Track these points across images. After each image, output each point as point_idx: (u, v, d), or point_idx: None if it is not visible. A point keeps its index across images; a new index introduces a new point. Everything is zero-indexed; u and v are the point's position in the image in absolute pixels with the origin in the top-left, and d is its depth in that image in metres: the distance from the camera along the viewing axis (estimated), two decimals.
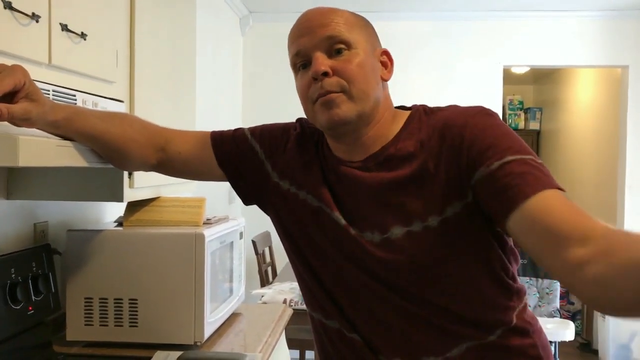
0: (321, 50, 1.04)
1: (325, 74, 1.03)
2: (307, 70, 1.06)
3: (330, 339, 1.15)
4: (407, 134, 1.07)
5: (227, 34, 4.18)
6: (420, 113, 1.10)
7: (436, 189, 1.01)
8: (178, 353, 1.55)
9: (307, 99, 1.07)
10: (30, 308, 1.57)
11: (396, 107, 1.15)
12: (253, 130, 1.24)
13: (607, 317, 4.31)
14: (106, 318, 1.68)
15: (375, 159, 1.08)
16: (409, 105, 1.16)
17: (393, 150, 1.07)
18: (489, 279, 1.05)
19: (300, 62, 1.07)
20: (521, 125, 7.07)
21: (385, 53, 1.13)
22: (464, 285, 1.04)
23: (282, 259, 4.25)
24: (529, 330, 1.10)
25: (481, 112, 1.03)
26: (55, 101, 1.14)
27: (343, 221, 1.08)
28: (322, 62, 1.03)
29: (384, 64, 1.11)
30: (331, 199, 1.10)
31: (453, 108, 1.08)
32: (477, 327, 1.05)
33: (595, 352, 4.69)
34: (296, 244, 1.16)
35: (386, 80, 1.11)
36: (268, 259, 4.18)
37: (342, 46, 1.04)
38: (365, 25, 1.10)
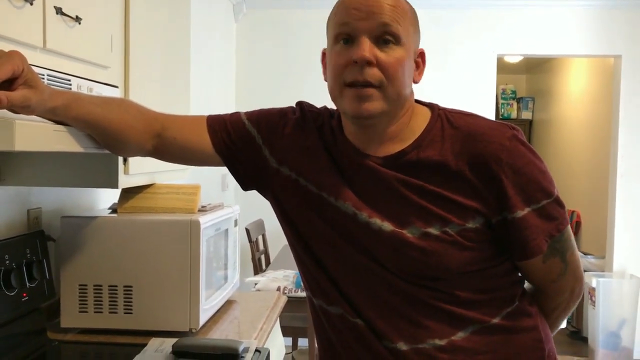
0: (370, 35, 1.02)
1: (369, 63, 1.02)
2: (348, 48, 1.04)
3: (332, 325, 1.14)
4: (429, 141, 1.08)
5: (220, 21, 4.15)
6: (442, 120, 1.10)
7: (461, 201, 1.04)
8: (173, 340, 1.55)
9: (339, 79, 1.05)
10: (24, 294, 1.57)
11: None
12: (250, 114, 1.22)
13: (597, 305, 4.35)
14: (101, 305, 1.67)
15: (396, 160, 1.08)
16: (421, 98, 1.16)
17: (415, 157, 1.07)
18: (497, 268, 1.10)
19: (345, 35, 1.05)
20: (514, 114, 7.08)
21: (422, 54, 1.13)
22: (473, 275, 1.07)
23: (275, 246, 4.25)
24: (530, 312, 1.13)
25: (516, 138, 1.06)
26: (52, 87, 1.13)
27: (352, 208, 1.08)
28: (368, 49, 1.02)
29: (417, 65, 1.11)
30: (340, 186, 1.10)
31: (479, 120, 1.09)
32: (483, 310, 1.07)
33: (585, 339, 4.73)
34: (297, 229, 1.16)
35: (416, 83, 1.11)
36: (261, 246, 4.18)
37: (391, 38, 1.03)
38: (414, 17, 1.09)
